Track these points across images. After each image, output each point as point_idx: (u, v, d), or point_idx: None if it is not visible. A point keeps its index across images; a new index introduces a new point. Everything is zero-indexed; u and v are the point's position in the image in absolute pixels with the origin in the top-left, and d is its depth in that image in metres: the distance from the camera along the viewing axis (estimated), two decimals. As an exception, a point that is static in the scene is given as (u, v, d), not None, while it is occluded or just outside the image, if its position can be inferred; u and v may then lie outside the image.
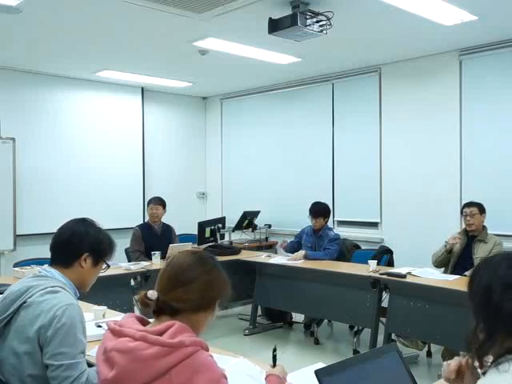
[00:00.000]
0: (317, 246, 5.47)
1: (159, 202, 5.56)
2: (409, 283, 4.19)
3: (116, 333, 1.49)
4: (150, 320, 1.60)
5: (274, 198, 7.22)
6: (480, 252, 4.41)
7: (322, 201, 5.62)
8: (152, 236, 5.45)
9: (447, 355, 4.21)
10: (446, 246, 4.57)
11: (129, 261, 5.32)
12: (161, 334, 1.45)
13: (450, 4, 4.02)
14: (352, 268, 4.84)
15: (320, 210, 5.47)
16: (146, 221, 5.93)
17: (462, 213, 4.67)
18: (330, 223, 6.10)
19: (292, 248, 5.54)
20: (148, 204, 5.63)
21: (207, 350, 1.49)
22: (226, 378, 1.48)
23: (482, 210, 4.53)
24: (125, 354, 1.42)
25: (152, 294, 1.55)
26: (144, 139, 7.46)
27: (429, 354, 4.63)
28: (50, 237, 2.05)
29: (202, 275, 1.57)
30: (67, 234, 2.00)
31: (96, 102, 7.00)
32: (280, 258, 5.43)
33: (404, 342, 4.39)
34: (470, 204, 4.61)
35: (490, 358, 1.26)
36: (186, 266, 1.58)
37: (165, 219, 5.66)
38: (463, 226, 4.72)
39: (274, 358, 1.86)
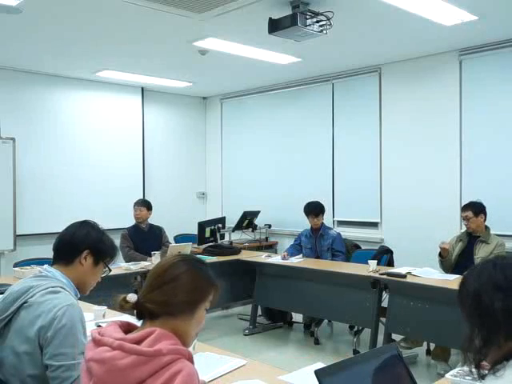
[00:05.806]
0: (317, 246, 5.47)
1: (142, 203, 5.69)
2: (409, 283, 4.19)
3: (96, 342, 1.44)
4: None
5: (274, 198, 7.22)
6: (481, 252, 4.41)
7: (322, 201, 5.63)
8: (139, 234, 5.54)
9: (439, 353, 4.23)
10: (439, 253, 4.64)
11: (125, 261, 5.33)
12: (139, 341, 1.38)
13: (450, 4, 4.02)
14: (352, 268, 4.85)
15: (318, 208, 5.49)
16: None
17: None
18: (330, 223, 6.11)
19: (296, 253, 5.50)
20: (133, 206, 5.68)
21: (190, 359, 1.40)
22: None
23: (476, 212, 4.49)
24: (101, 364, 1.37)
25: (131, 297, 1.49)
26: (144, 139, 7.45)
27: (428, 353, 4.63)
28: (49, 237, 2.08)
29: (183, 275, 1.49)
30: (70, 234, 2.04)
31: (96, 101, 6.99)
32: (279, 258, 5.42)
33: (404, 345, 4.39)
34: (465, 207, 4.60)
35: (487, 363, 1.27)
36: (169, 265, 1.52)
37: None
38: (464, 227, 4.75)
39: None
